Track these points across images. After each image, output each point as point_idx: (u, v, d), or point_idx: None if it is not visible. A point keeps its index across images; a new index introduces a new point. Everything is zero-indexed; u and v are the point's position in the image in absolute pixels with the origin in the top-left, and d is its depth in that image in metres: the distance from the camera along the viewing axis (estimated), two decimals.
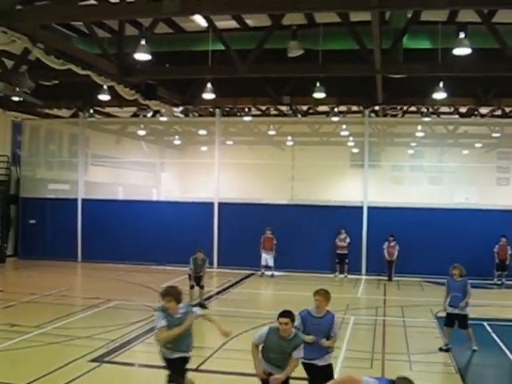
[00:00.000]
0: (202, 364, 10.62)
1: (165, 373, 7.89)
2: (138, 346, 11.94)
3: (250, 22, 18.18)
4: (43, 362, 10.37)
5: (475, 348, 11.93)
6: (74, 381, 9.56)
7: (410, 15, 15.16)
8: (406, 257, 21.16)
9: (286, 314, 7.42)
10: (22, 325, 12.91)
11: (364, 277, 22.08)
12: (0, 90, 18.84)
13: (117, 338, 12.27)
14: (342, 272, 21.89)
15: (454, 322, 12.06)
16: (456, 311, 11.97)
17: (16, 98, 20.44)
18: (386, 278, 21.35)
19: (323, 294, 8.11)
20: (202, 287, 16.22)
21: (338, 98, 21.78)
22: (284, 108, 24.32)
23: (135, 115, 26.84)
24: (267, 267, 21.94)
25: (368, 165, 23.34)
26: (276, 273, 22.03)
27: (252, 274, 21.96)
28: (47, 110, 25.91)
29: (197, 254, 16.14)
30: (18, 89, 18.18)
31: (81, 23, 16.86)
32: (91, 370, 10.18)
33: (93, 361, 10.64)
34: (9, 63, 18.92)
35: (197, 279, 16.20)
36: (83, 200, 25.48)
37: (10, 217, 25.62)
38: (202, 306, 14.93)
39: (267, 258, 21.84)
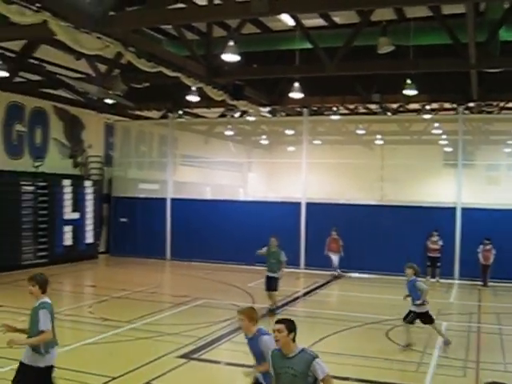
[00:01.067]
0: None
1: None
2: (225, 344, 12.18)
3: (337, 19, 18.14)
4: (133, 356, 10.79)
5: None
6: (163, 376, 9.91)
7: (506, 6, 14.68)
8: (503, 261, 20.37)
9: (282, 320, 5.99)
10: (113, 319, 13.46)
11: (457, 281, 21.50)
12: (94, 93, 19.77)
13: (204, 335, 12.57)
14: (433, 276, 21.41)
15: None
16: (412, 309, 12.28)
17: (109, 101, 21.33)
18: (481, 283, 20.73)
19: (243, 313, 6.98)
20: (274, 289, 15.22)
21: (430, 94, 21.36)
22: (373, 106, 24.08)
23: (223, 115, 27.26)
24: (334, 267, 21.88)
25: (462, 164, 22.68)
26: (363, 275, 21.87)
27: (340, 275, 21.87)
28: (138, 112, 26.77)
29: (270, 241, 15.17)
30: (111, 92, 18.99)
31: (170, 26, 17.35)
32: (179, 366, 10.51)
33: (181, 357, 10.96)
34: (102, 67, 19.73)
35: (269, 281, 15.22)
36: (172, 199, 26.12)
37: (102, 215, 26.70)
38: (271, 311, 14.96)
39: (334, 260, 21.71)
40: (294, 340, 5.82)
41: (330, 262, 21.78)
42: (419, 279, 12.60)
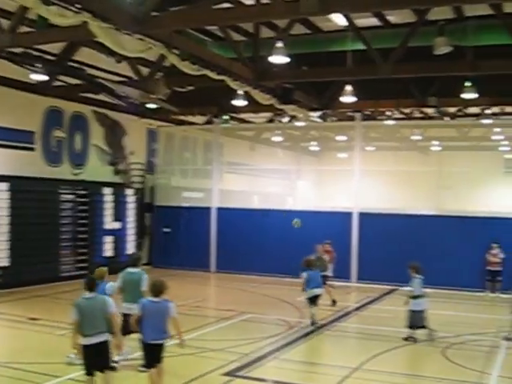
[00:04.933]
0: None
1: None
2: (272, 362, 12.06)
3: (392, 18, 17.92)
4: (176, 373, 10.74)
5: None
6: None
7: None
8: None
9: None
10: None
11: None
12: (136, 97, 19.89)
13: (250, 351, 12.46)
14: (493, 291, 20.88)
15: None
16: None
17: (151, 106, 21.45)
18: None
19: None
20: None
21: (491, 98, 20.94)
22: (429, 110, 23.74)
23: (270, 121, 27.22)
24: None
25: None
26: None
27: (394, 290, 21.51)
28: (182, 117, 26.88)
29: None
30: (153, 96, 19.09)
31: (215, 27, 17.40)
32: (224, 383, 10.43)
33: (225, 374, 10.86)
34: (144, 70, 19.89)
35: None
36: (217, 209, 26.01)
37: (144, 225, 26.76)
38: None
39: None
40: None
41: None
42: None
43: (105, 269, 11.17)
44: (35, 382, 9.83)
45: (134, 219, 25.36)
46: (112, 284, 11.02)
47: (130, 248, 25.02)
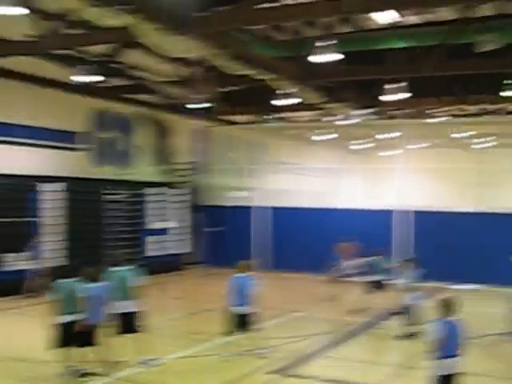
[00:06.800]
0: None
1: None
2: (320, 360, 11.94)
3: (434, 16, 17.65)
4: (223, 371, 10.74)
5: None
6: None
7: None
8: None
9: None
10: (203, 333, 13.44)
11: None
12: (182, 97, 19.99)
13: (298, 349, 12.37)
14: None
15: None
16: None
17: (198, 106, 21.53)
18: None
19: None
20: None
21: None
22: (471, 108, 23.34)
23: (316, 120, 27.06)
24: None
25: None
26: (462, 286, 21.01)
27: (442, 288, 20.96)
28: (228, 117, 26.88)
29: None
30: (200, 96, 19.17)
31: (261, 26, 17.41)
32: (271, 382, 10.37)
33: (273, 372, 10.76)
34: (190, 70, 19.98)
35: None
36: (270, 208, 25.60)
37: (192, 225, 26.45)
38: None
39: None
40: None
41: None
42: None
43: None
44: None
45: (180, 219, 25.27)
46: None
47: (176, 248, 24.95)
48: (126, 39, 15.53)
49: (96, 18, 12.11)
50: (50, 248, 19.17)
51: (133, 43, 16.67)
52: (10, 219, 18.35)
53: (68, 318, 9.93)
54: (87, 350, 10.13)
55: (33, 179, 19.30)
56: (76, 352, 10.05)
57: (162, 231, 24.34)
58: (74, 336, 9.89)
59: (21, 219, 18.69)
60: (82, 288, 10.18)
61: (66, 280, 10.24)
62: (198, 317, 16.03)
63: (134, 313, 10.78)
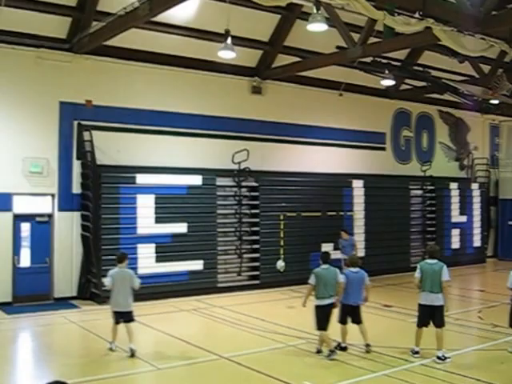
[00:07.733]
0: None
1: None
2: None
3: None
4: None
5: None
6: None
7: None
8: None
9: None
10: (503, 326, 13.14)
11: None
12: (478, 94, 19.81)
13: None
14: None
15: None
16: None
17: (494, 101, 21.11)
18: None
19: None
20: None
21: None
22: None
23: None
24: None
25: None
26: None
27: None
28: None
29: None
30: (495, 92, 18.83)
31: None
32: None
33: None
34: (486, 68, 19.70)
35: None
36: None
37: (490, 218, 26.34)
38: None
39: None
40: None
41: None
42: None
43: None
44: (390, 365, 10.28)
45: (480, 213, 25.22)
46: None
47: (476, 241, 24.98)
48: (424, 43, 16.00)
49: (398, 26, 12.69)
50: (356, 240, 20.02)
51: (431, 46, 17.10)
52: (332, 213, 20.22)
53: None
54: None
55: (347, 176, 21.08)
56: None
57: (465, 224, 24.57)
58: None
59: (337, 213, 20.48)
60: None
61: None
62: (497, 309, 15.58)
63: (441, 307, 10.67)
